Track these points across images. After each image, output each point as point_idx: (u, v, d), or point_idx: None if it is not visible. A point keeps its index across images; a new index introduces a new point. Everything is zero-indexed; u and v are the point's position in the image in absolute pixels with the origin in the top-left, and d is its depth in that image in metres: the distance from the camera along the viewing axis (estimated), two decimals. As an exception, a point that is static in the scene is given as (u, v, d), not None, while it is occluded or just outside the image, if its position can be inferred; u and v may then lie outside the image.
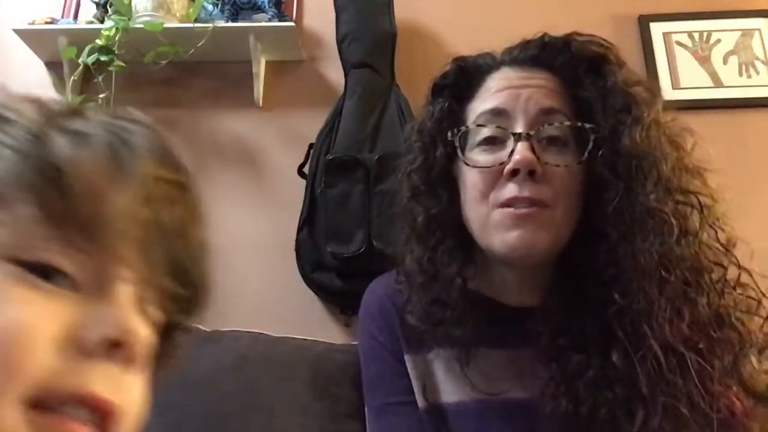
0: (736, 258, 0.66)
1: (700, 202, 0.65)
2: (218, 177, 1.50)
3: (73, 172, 0.31)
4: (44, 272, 0.30)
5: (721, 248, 0.66)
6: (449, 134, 0.73)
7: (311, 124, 1.46)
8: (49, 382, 0.29)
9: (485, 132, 0.71)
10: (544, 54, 0.73)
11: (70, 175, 0.31)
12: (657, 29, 1.61)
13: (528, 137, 0.67)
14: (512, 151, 0.67)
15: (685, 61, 1.58)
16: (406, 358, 0.79)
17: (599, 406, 0.64)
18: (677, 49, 1.60)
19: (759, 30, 1.59)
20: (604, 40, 0.73)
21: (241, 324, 1.13)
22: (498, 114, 0.70)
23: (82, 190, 0.31)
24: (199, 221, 0.40)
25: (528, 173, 0.66)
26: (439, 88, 0.79)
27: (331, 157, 1.36)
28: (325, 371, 1.02)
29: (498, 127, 0.70)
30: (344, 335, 1.34)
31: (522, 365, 0.72)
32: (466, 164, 0.71)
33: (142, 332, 0.32)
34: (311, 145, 1.44)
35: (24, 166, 0.31)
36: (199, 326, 0.99)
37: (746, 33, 1.60)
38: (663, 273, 0.61)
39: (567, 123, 0.69)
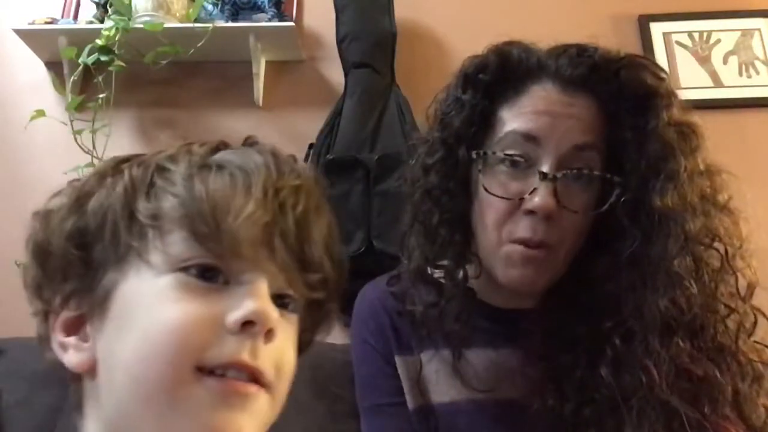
0: (756, 308, 0.65)
1: (726, 248, 0.64)
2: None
3: (208, 202, 0.43)
4: (202, 273, 0.42)
5: (737, 293, 0.64)
6: (473, 154, 0.71)
7: (311, 124, 1.47)
8: (210, 354, 0.40)
9: (512, 152, 0.69)
10: (592, 78, 0.68)
11: (206, 205, 0.43)
12: (657, 29, 1.61)
13: (554, 179, 0.66)
14: (534, 190, 0.66)
15: (685, 61, 1.58)
16: (397, 359, 0.79)
17: (584, 405, 0.65)
18: (677, 49, 1.60)
19: (759, 30, 1.60)
20: (659, 68, 0.69)
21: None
22: (530, 140, 0.68)
23: (216, 213, 0.42)
24: (320, 213, 0.48)
25: (544, 216, 0.66)
26: (474, 79, 0.73)
27: (331, 157, 1.36)
28: (325, 371, 1.02)
29: (525, 161, 0.68)
30: (344, 335, 1.33)
31: (514, 365, 0.73)
32: (486, 190, 0.69)
33: (272, 314, 0.42)
34: (311, 145, 1.44)
35: (178, 205, 0.43)
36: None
37: (746, 33, 1.60)
38: (667, 328, 0.61)
39: (596, 172, 0.67)
